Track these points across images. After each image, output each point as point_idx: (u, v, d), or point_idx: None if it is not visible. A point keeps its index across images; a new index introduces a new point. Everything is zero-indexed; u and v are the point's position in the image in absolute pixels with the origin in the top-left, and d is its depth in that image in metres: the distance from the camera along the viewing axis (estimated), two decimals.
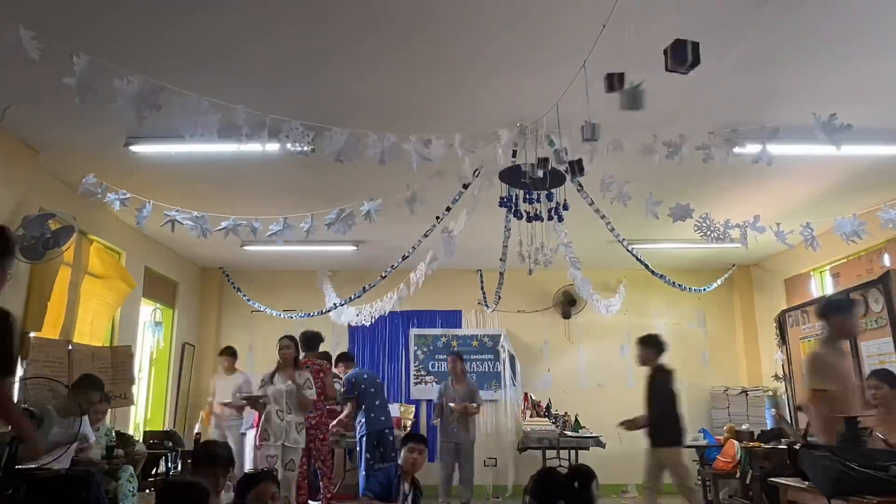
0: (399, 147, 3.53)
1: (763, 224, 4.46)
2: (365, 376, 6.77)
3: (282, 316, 8.00)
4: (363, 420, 6.45)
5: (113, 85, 2.78)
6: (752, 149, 4.21)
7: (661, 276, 6.65)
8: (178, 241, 7.57)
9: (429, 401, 8.89)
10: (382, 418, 6.55)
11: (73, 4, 3.19)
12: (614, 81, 2.33)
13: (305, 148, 3.30)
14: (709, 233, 4.51)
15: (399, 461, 4.27)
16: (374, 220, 4.16)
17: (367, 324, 6.97)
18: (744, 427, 7.18)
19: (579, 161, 3.40)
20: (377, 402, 6.58)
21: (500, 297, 7.46)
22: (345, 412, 6.67)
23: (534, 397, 8.25)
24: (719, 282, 8.34)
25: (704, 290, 8.01)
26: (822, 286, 7.57)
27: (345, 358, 7.43)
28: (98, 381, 5.02)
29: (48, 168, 5.27)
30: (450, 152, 3.78)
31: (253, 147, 3.30)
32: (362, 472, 6.29)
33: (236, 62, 3.75)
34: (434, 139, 3.62)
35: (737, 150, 4.07)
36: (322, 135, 3.34)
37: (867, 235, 4.57)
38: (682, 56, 2.14)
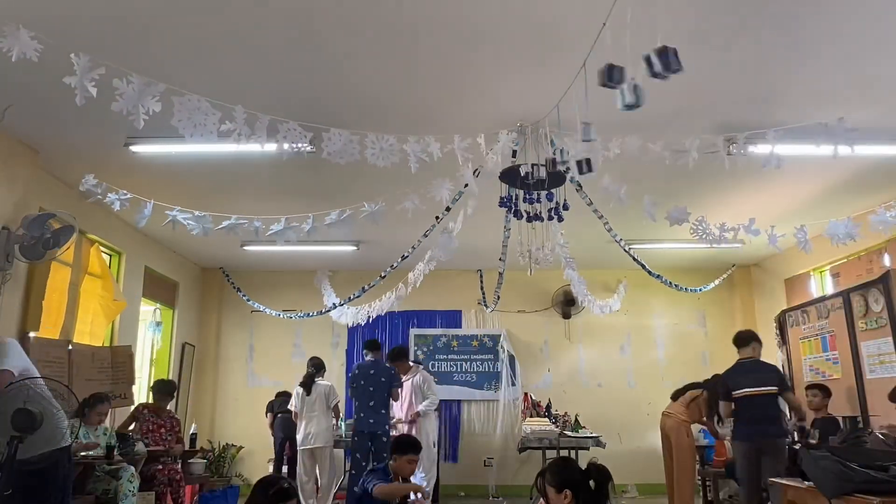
0: (399, 148, 3.51)
1: (758, 227, 4.46)
2: (357, 372, 6.43)
3: (281, 316, 7.99)
4: (353, 419, 6.32)
5: (112, 84, 2.77)
6: (753, 150, 4.21)
7: (658, 276, 6.64)
8: (179, 241, 7.57)
9: None
10: (371, 420, 6.17)
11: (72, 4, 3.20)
12: (613, 74, 2.31)
13: (306, 148, 3.29)
14: (704, 236, 4.52)
15: (391, 463, 3.95)
16: (378, 223, 4.14)
17: (362, 323, 6.73)
18: None
19: (588, 159, 3.38)
20: (371, 403, 6.22)
21: (499, 297, 7.46)
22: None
23: (534, 397, 8.25)
24: (717, 282, 8.33)
25: (701, 289, 8.01)
26: (822, 286, 7.57)
27: (370, 347, 6.64)
28: None
29: (48, 168, 5.27)
30: (450, 153, 3.78)
31: (252, 147, 3.29)
32: (352, 471, 6.11)
33: (237, 61, 3.76)
34: (434, 140, 3.61)
35: (742, 152, 4.06)
36: (320, 135, 3.33)
37: (861, 237, 4.55)
38: (667, 62, 2.13)
